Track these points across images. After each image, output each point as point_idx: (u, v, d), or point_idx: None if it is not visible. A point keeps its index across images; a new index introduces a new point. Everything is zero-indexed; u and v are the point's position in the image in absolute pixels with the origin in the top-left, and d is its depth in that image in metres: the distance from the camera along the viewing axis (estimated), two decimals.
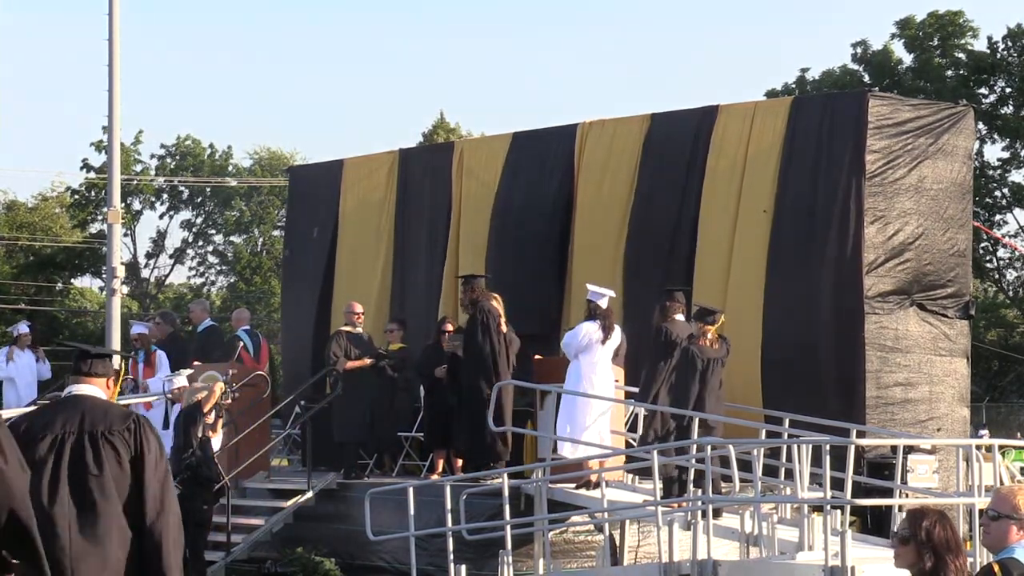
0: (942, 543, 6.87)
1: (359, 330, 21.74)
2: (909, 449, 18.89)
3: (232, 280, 74.55)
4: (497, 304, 19.62)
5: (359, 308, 21.94)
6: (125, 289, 46.69)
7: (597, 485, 17.05)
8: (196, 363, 21.27)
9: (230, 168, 74.52)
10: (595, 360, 18.18)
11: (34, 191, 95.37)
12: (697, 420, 17.02)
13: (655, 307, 18.53)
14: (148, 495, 7.98)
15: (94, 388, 8.32)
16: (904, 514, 7.57)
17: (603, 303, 18.35)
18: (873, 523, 18.56)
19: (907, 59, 52.90)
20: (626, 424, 19.45)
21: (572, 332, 18.46)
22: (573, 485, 18.03)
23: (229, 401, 18.80)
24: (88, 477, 7.92)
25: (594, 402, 18.10)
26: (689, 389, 17.32)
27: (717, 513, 16.15)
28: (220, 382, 18.45)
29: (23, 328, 26.45)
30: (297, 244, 27.59)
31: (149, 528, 7.88)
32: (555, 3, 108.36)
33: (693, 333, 17.65)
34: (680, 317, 18.12)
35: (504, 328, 19.43)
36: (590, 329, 18.21)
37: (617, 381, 18.86)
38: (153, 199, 73.84)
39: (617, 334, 18.45)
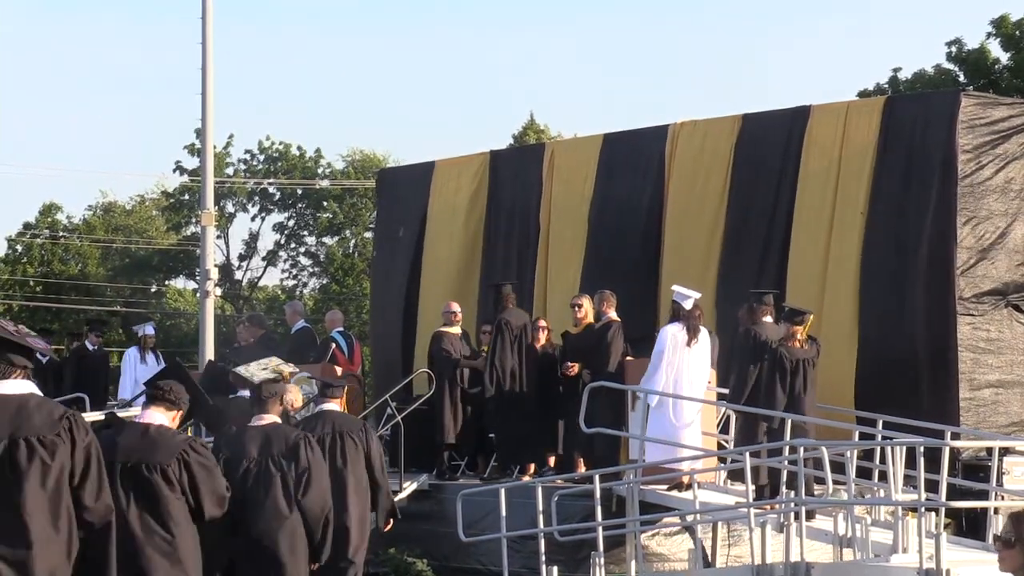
0: None
1: (458, 329, 21.72)
2: (1004, 451, 18.71)
3: (324, 282, 74.90)
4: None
5: (456, 307, 21.77)
6: (218, 291, 47.13)
7: (689, 487, 17.04)
8: None
9: (320, 171, 74.93)
10: (680, 362, 18.14)
11: (132, 193, 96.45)
12: (789, 421, 16.96)
13: (742, 309, 18.52)
14: (376, 475, 13.18)
15: (336, 405, 13.37)
16: (1002, 517, 7.53)
17: (687, 304, 18.28)
18: (968, 526, 18.40)
19: (1004, 58, 52.32)
20: (718, 426, 19.40)
21: (657, 340, 18.43)
22: (665, 487, 18.02)
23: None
24: (345, 461, 12.96)
25: (682, 404, 18.08)
26: (778, 390, 17.26)
27: (810, 515, 16.05)
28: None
29: (149, 330, 26.24)
30: (385, 246, 27.69)
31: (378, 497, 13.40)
32: (643, 3, 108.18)
33: (784, 335, 17.59)
34: (769, 319, 18.05)
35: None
36: (672, 331, 18.20)
37: (709, 383, 18.81)
38: (245, 202, 74.43)
39: (705, 336, 18.41)
